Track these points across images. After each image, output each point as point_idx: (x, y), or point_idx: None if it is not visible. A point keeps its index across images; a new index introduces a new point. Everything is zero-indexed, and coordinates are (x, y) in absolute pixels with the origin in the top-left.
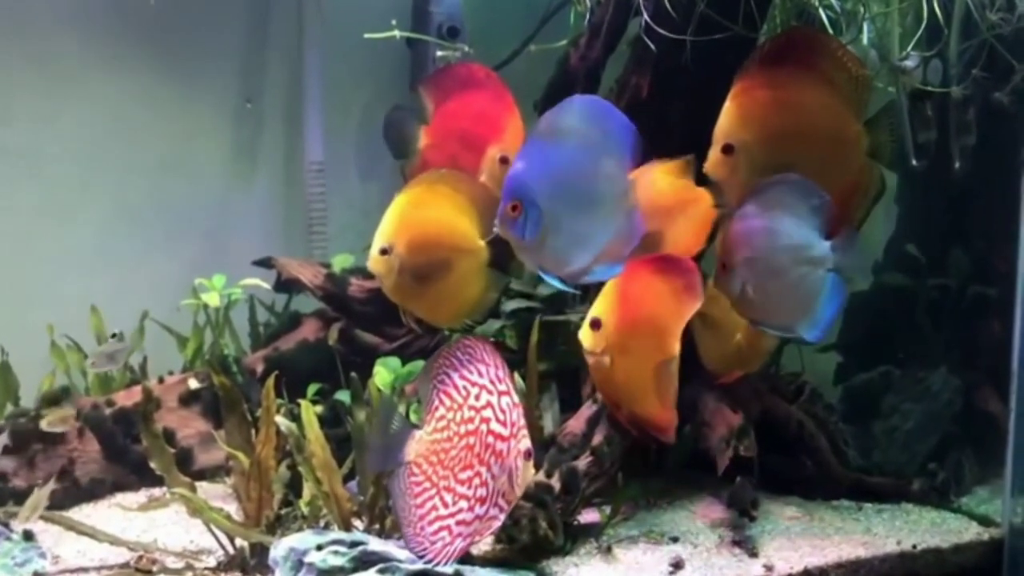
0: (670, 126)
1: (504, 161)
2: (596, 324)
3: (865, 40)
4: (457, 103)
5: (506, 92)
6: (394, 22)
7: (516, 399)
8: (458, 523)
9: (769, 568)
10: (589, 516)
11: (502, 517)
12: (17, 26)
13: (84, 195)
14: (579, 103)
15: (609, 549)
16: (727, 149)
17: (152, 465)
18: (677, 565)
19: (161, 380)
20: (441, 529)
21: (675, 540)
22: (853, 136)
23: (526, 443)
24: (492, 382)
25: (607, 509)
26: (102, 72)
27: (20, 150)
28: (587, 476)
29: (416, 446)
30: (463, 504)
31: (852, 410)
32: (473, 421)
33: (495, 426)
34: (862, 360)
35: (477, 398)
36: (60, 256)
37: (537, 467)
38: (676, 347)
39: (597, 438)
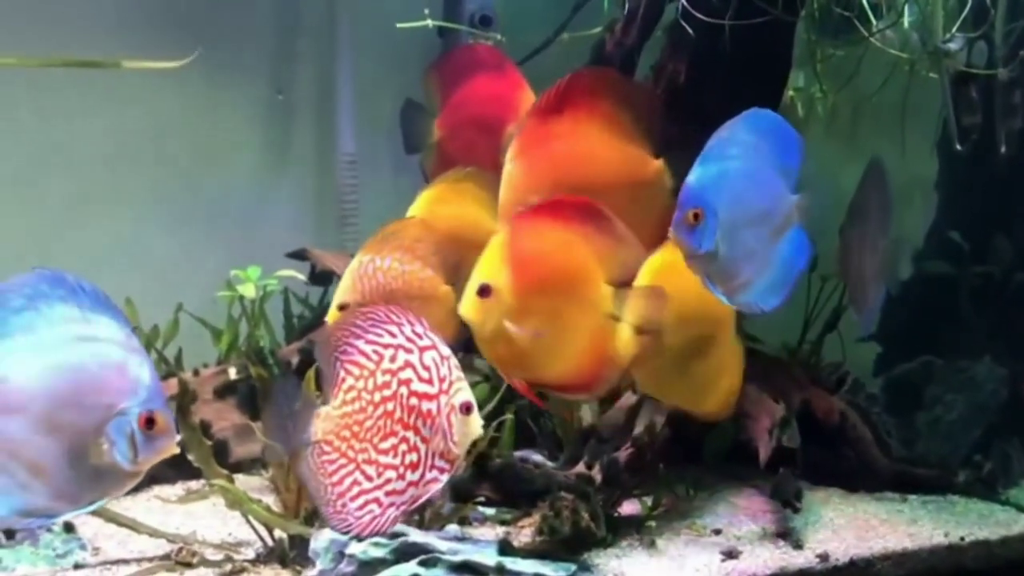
0: (707, 112)
1: None
2: (485, 291)
3: (906, 23)
4: (465, 90)
5: (513, 69)
6: (426, 11)
7: (445, 351)
8: (388, 494)
9: (823, 557)
10: (630, 508)
11: (444, 478)
12: (50, 21)
13: (117, 189)
14: (752, 115)
15: (652, 542)
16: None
17: (190, 457)
18: (730, 554)
19: (196, 373)
20: (369, 503)
21: (717, 532)
22: (652, 175)
23: (462, 396)
24: (410, 339)
25: (648, 501)
26: None
27: (53, 144)
28: (628, 467)
29: (323, 424)
30: (391, 474)
31: (894, 401)
32: (390, 386)
33: (418, 386)
34: (903, 350)
35: (393, 360)
36: (94, 250)
37: (577, 459)
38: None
39: (637, 429)
